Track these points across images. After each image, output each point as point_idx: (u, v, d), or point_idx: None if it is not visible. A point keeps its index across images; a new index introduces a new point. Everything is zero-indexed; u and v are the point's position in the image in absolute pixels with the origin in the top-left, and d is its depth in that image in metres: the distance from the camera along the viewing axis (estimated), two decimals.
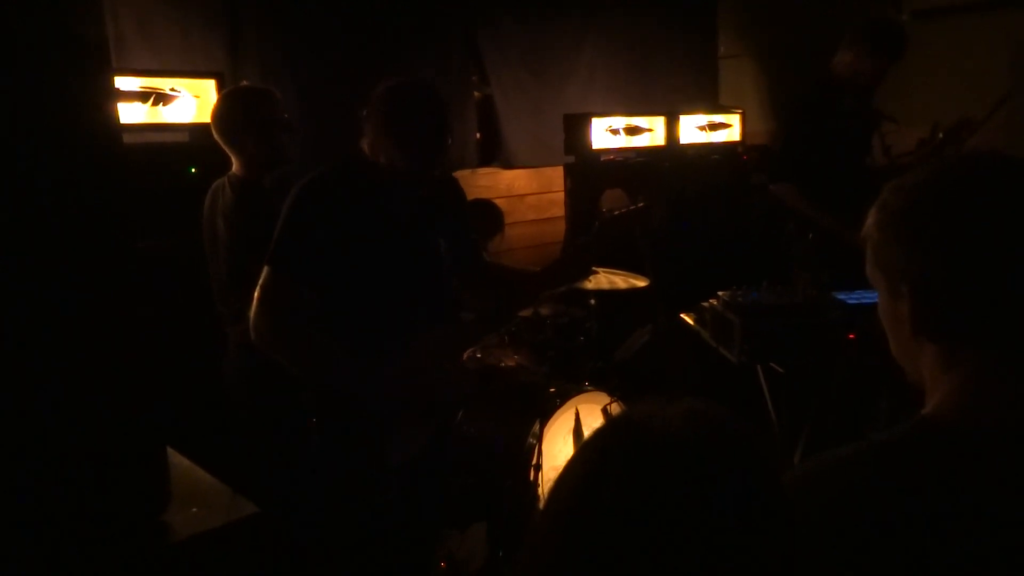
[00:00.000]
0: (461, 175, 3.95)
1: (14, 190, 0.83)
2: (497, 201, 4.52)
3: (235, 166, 2.62)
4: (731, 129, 4.92)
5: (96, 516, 0.99)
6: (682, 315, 2.85)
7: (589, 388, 2.94)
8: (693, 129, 4.72)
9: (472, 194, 3.69)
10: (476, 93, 4.55)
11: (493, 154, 4.68)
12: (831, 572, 0.84)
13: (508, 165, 4.67)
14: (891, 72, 3.23)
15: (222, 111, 2.58)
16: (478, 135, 4.54)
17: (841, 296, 2.48)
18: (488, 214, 3.94)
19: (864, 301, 2.37)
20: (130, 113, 2.86)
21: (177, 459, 1.26)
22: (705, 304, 2.68)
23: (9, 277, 0.86)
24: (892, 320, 0.95)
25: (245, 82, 3.01)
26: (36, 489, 0.94)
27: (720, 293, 2.58)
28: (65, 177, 0.87)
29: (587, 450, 0.76)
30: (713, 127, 4.84)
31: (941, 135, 3.30)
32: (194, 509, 1.15)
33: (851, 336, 2.38)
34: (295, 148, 2.72)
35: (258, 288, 1.83)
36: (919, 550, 0.82)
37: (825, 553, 0.83)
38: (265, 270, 1.84)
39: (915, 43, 3.28)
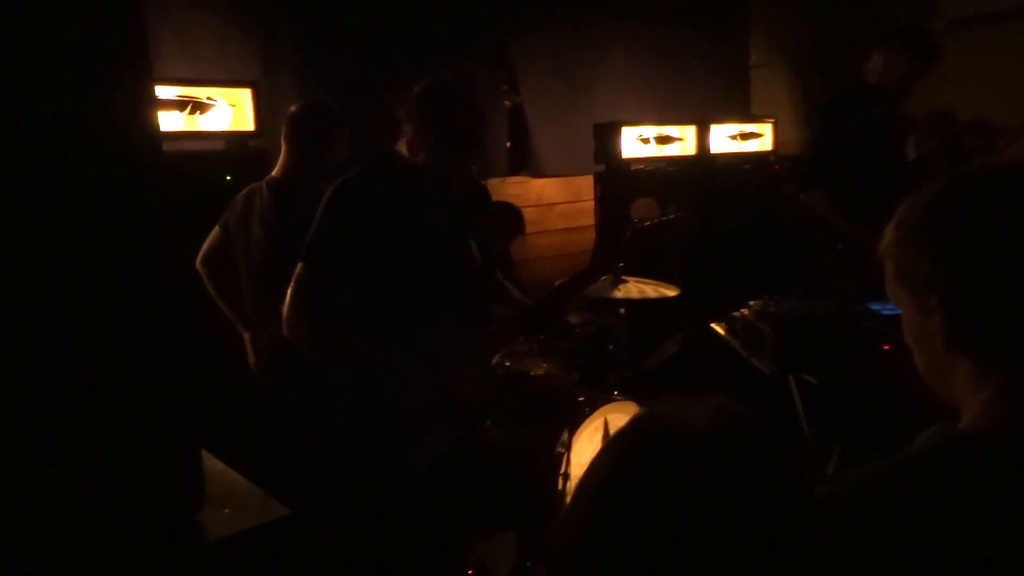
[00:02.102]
0: (491, 184, 3.97)
1: (62, 196, 0.86)
2: (526, 210, 4.53)
3: (277, 169, 2.67)
4: (763, 139, 4.88)
5: (135, 516, 1.01)
6: (712, 324, 2.82)
7: (618, 397, 2.92)
8: (724, 138, 4.69)
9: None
10: (506, 102, 4.57)
11: (523, 163, 4.70)
12: None
13: (538, 174, 4.67)
14: (924, 79, 3.19)
15: (295, 116, 2.64)
16: (508, 144, 4.56)
17: (875, 307, 2.44)
18: (508, 216, 3.93)
19: (899, 312, 2.34)
20: (168, 121, 2.92)
21: (211, 462, 1.28)
22: (736, 313, 2.65)
23: (55, 280, 0.89)
24: (920, 336, 0.93)
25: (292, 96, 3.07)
26: (78, 489, 0.96)
27: (751, 302, 2.55)
28: (109, 183, 0.89)
29: (614, 444, 0.77)
30: (744, 136, 4.80)
31: (957, 130, 3.25)
32: (227, 511, 1.16)
33: (886, 347, 2.34)
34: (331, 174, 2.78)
35: (292, 283, 1.86)
36: (957, 565, 0.81)
37: (861, 567, 0.82)
38: (300, 266, 1.87)
39: (950, 51, 3.24)
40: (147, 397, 1.01)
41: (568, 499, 2.60)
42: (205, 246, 2.71)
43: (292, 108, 2.68)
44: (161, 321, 0.99)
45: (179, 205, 1.10)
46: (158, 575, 1.02)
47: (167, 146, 1.14)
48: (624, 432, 0.77)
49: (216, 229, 2.72)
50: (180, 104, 2.98)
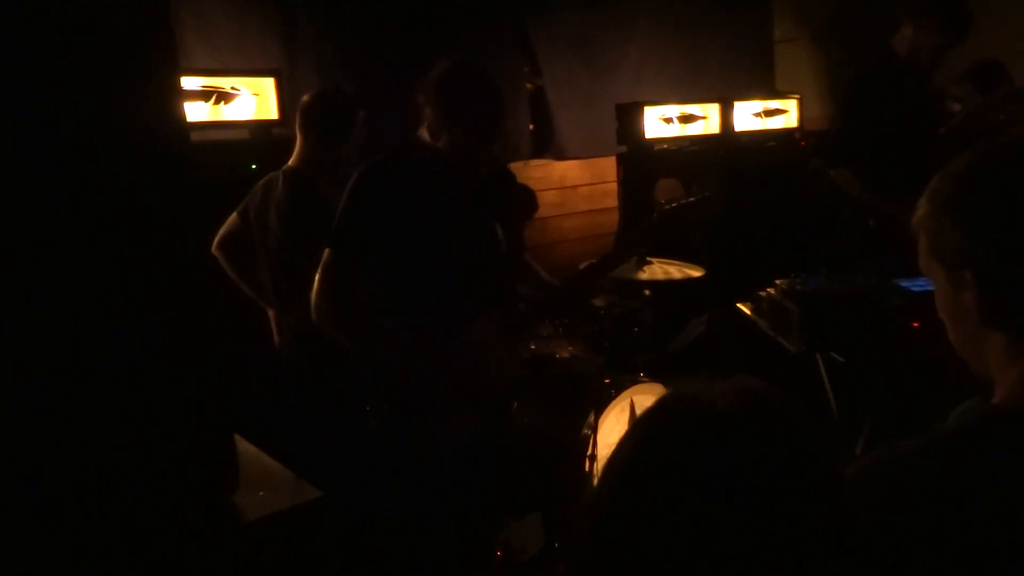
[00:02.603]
0: (514, 167, 3.96)
1: (93, 186, 0.88)
2: (549, 192, 4.52)
3: (294, 159, 2.68)
4: (787, 115, 4.82)
5: (174, 497, 1.04)
6: (738, 304, 2.81)
7: (644, 379, 2.93)
8: (748, 116, 4.64)
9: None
10: (528, 85, 4.55)
11: (545, 145, 4.68)
12: (900, 563, 0.82)
13: (560, 156, 4.66)
14: (955, 51, 3.11)
15: (310, 104, 2.65)
16: (531, 126, 4.55)
17: (904, 284, 2.41)
18: (521, 196, 3.92)
19: (928, 288, 2.30)
20: (193, 112, 2.95)
21: (244, 446, 1.31)
22: (762, 293, 2.63)
23: (89, 270, 0.91)
24: (953, 311, 0.92)
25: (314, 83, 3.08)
26: (121, 472, 0.99)
27: (777, 281, 2.54)
28: (140, 173, 0.91)
29: (639, 424, 0.78)
30: (769, 113, 4.74)
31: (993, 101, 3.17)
32: (261, 493, 1.19)
33: (915, 324, 2.32)
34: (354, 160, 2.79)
35: (319, 269, 1.89)
36: (991, 541, 0.80)
37: (893, 544, 0.82)
38: (326, 252, 1.90)
39: (980, 22, 3.16)
40: (186, 381, 1.04)
41: (595, 481, 2.61)
42: (221, 231, 2.73)
43: (305, 97, 2.69)
44: (195, 306, 1.01)
45: (205, 194, 1.11)
46: (196, 554, 1.05)
47: (193, 136, 1.16)
48: (649, 412, 0.77)
49: (234, 215, 2.74)
50: (205, 95, 3.00)
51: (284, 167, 2.69)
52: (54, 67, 0.84)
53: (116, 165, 0.89)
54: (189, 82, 2.96)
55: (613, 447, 0.78)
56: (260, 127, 3.16)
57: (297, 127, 2.68)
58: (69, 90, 0.84)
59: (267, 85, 3.14)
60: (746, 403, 0.72)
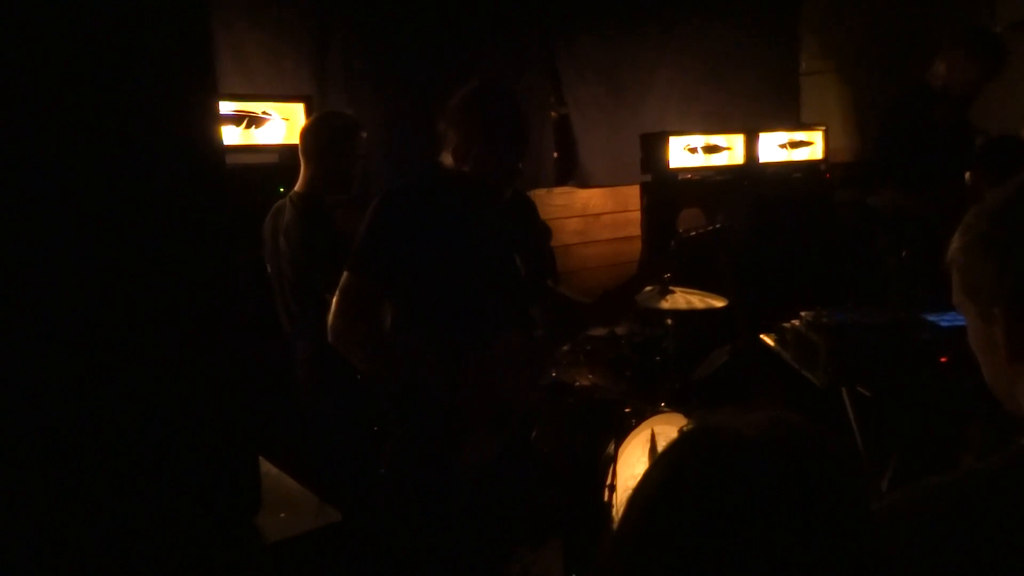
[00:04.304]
0: (537, 194, 3.98)
1: (135, 206, 0.91)
2: (572, 220, 4.53)
3: (300, 183, 2.72)
4: (813, 147, 4.81)
5: (196, 517, 1.05)
6: (762, 336, 2.79)
7: (665, 409, 2.91)
8: (773, 147, 4.64)
9: (548, 214, 3.71)
10: (553, 112, 4.59)
11: (569, 173, 4.70)
12: None
13: (584, 184, 4.68)
14: (987, 85, 3.10)
15: (312, 129, 2.72)
16: (555, 154, 4.57)
17: (933, 318, 2.38)
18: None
19: (957, 323, 2.27)
20: (225, 135, 3.01)
21: (266, 467, 1.31)
22: (786, 324, 2.61)
23: (125, 287, 0.93)
24: (985, 347, 0.91)
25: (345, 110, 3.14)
26: (143, 492, 1.00)
27: (803, 313, 2.51)
28: (180, 194, 0.94)
29: (664, 456, 0.76)
30: (794, 145, 4.74)
31: None
32: (282, 515, 1.19)
33: (943, 359, 2.28)
34: (361, 181, 2.82)
35: (338, 292, 1.90)
36: None
37: None
38: (345, 275, 1.91)
39: (1010, 54, 3.15)
40: (211, 401, 1.05)
41: (615, 511, 2.59)
42: None
43: (306, 122, 2.74)
44: (225, 328, 1.03)
45: (235, 216, 1.13)
46: (218, 574, 1.06)
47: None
48: (677, 443, 0.76)
49: None
50: (237, 119, 3.06)
51: (291, 192, 2.73)
52: (112, 96, 0.88)
53: (155, 182, 0.92)
54: (222, 106, 3.02)
55: (633, 478, 0.76)
56: (289, 151, 3.21)
57: (300, 152, 2.72)
58: (124, 117, 0.88)
59: (297, 110, 3.20)
60: (777, 435, 0.70)
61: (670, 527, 0.69)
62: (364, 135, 2.77)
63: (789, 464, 0.69)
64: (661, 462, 0.76)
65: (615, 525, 0.81)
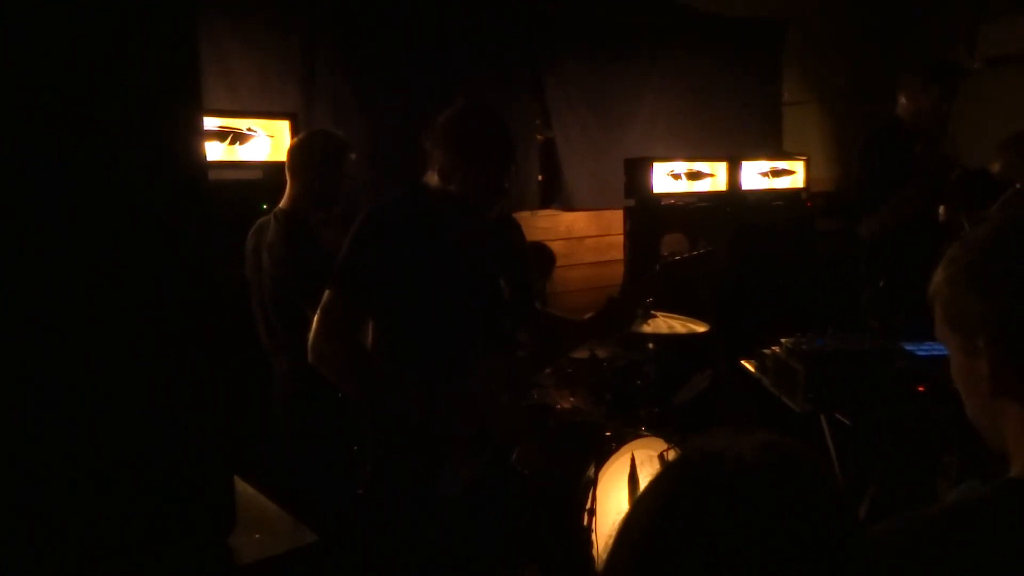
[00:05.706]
0: (521, 217, 3.99)
1: (117, 219, 0.90)
2: (556, 243, 4.55)
3: (285, 200, 2.71)
4: (795, 176, 4.87)
5: (167, 537, 1.03)
6: (742, 361, 2.80)
7: (645, 433, 2.90)
8: (755, 175, 4.69)
9: (532, 236, 3.72)
10: (539, 136, 4.62)
11: (553, 196, 4.73)
12: None
13: (568, 207, 4.71)
14: (959, 117, 3.15)
15: (301, 146, 2.71)
16: (540, 177, 4.61)
17: (911, 347, 2.41)
18: (539, 255, 3.97)
19: (935, 353, 2.30)
20: (209, 151, 3.00)
21: (241, 486, 1.29)
22: (766, 351, 2.63)
23: (103, 300, 0.92)
24: (968, 380, 0.91)
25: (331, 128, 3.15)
26: (115, 510, 0.98)
27: (783, 340, 2.53)
28: (160, 207, 0.93)
29: (659, 481, 0.74)
30: (776, 173, 4.80)
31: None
32: (257, 535, 1.17)
33: (920, 388, 2.30)
34: (347, 200, 2.82)
35: (319, 310, 1.88)
36: None
37: None
38: (327, 293, 1.89)
39: (988, 90, 3.21)
40: (187, 418, 1.03)
41: (594, 535, 2.57)
42: None
43: (293, 139, 2.73)
44: (202, 342, 1.02)
45: (218, 232, 1.13)
46: None
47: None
48: (672, 467, 0.74)
49: None
50: (221, 135, 3.06)
51: (275, 209, 2.71)
52: (95, 107, 0.88)
53: (136, 196, 0.92)
54: (207, 122, 3.01)
55: (612, 501, 0.75)
56: (273, 168, 3.20)
57: (287, 169, 2.71)
58: (110, 133, 0.89)
59: (282, 127, 3.20)
60: (772, 459, 0.69)
61: (669, 556, 0.68)
62: (353, 156, 2.77)
63: (788, 489, 0.68)
64: (656, 486, 0.74)
65: (601, 563, 0.78)
